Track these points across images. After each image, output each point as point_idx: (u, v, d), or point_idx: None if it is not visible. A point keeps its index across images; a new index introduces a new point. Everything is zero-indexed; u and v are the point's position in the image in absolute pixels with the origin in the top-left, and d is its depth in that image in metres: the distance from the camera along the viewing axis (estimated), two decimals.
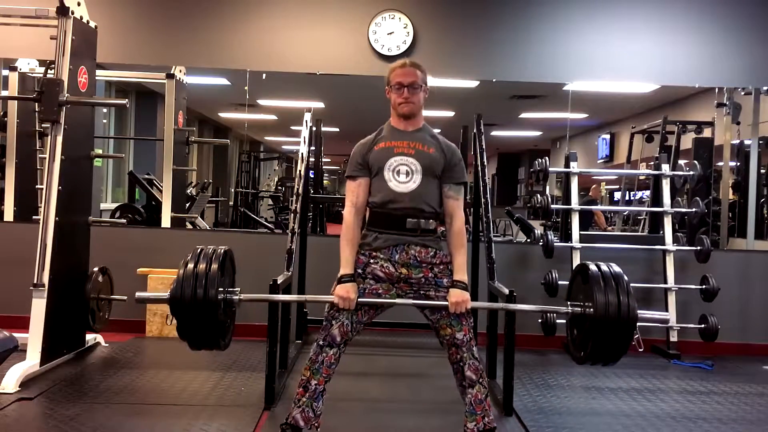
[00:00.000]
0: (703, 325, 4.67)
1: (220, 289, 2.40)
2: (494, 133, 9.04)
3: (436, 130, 2.69)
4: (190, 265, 2.38)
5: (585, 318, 2.30)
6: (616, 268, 2.37)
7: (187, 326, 2.36)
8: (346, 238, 2.58)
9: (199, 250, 2.47)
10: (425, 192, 2.59)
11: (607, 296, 2.26)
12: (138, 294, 2.51)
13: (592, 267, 2.38)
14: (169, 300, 2.36)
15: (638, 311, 2.28)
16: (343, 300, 2.50)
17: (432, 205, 2.62)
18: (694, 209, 4.97)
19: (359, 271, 2.60)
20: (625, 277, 2.33)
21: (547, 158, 5.03)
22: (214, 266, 2.38)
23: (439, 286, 2.61)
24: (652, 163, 5.51)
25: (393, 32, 4.94)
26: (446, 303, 2.54)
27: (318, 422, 2.58)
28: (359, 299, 2.53)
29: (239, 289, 2.53)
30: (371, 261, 2.61)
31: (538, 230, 6.37)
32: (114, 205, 7.01)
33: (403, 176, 2.58)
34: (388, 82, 2.67)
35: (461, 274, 2.58)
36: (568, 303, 2.43)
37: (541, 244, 4.86)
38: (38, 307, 3.59)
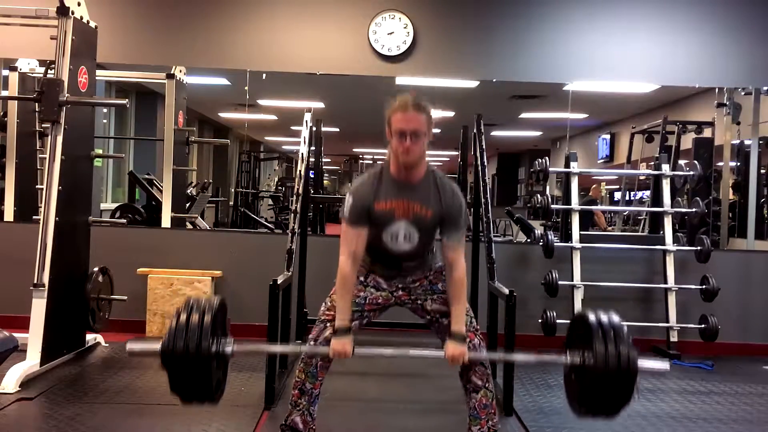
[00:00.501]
0: (703, 325, 4.67)
1: (213, 341, 2.31)
2: (494, 133, 9.04)
3: (436, 130, 2.65)
4: (183, 317, 2.29)
5: (585, 369, 2.29)
6: (615, 318, 2.35)
7: (179, 380, 2.29)
8: (343, 289, 2.46)
9: (191, 302, 2.37)
10: (422, 246, 2.56)
11: (607, 348, 2.23)
12: (129, 346, 2.39)
13: (591, 317, 2.35)
14: (161, 353, 2.27)
15: (638, 361, 2.25)
16: (340, 353, 2.42)
17: (428, 248, 2.62)
18: (694, 209, 4.97)
19: (361, 278, 2.61)
20: (625, 327, 2.31)
21: (547, 158, 5.03)
22: (207, 318, 2.28)
23: (434, 292, 2.65)
24: (653, 163, 5.51)
25: (393, 32, 4.93)
26: (441, 353, 2.48)
27: (314, 425, 2.62)
28: (355, 351, 2.44)
29: (232, 340, 2.47)
30: (371, 272, 2.66)
31: (538, 230, 6.37)
32: (114, 205, 7.01)
33: (401, 240, 2.51)
34: (389, 124, 2.42)
35: (459, 325, 2.47)
36: (567, 352, 2.42)
37: (541, 244, 4.86)
38: (38, 307, 3.59)
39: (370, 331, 4.06)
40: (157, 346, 2.28)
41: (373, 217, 2.47)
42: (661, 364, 2.36)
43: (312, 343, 2.59)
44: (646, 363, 2.28)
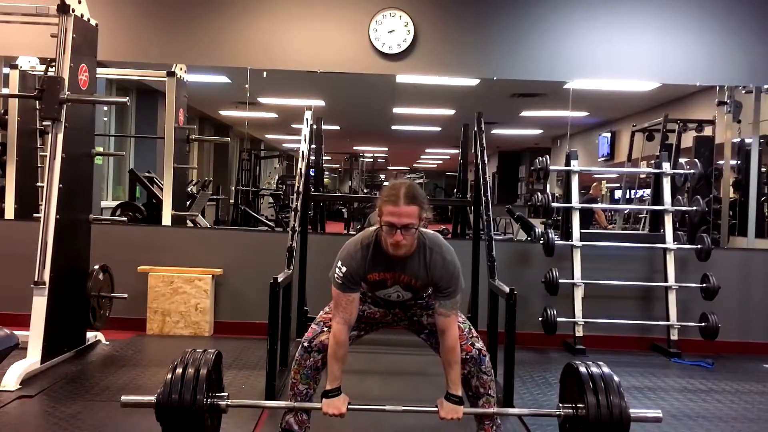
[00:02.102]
0: (703, 324, 4.67)
1: (208, 395, 2.32)
2: (495, 131, 9.03)
3: (436, 129, 2.65)
4: (179, 370, 2.30)
5: (578, 420, 2.32)
6: (606, 369, 2.38)
7: None
8: (336, 356, 2.46)
9: (188, 354, 2.38)
10: (416, 297, 2.64)
11: (599, 399, 2.26)
12: (123, 398, 2.39)
13: (582, 369, 2.38)
14: (155, 405, 2.28)
15: (630, 410, 2.28)
16: (333, 414, 2.46)
17: (422, 296, 2.66)
18: (694, 207, 4.97)
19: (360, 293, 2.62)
20: (616, 378, 2.33)
21: (547, 156, 5.03)
22: (203, 372, 2.30)
23: (430, 307, 2.69)
24: (653, 161, 5.51)
25: (394, 30, 4.93)
26: (435, 409, 2.50)
27: (309, 423, 2.66)
28: (349, 407, 2.48)
29: (227, 394, 2.45)
30: (370, 297, 2.70)
31: (539, 228, 6.37)
32: (115, 203, 7.01)
33: (393, 298, 2.61)
34: (380, 212, 2.37)
35: (455, 388, 2.47)
36: (559, 405, 2.45)
37: (541, 242, 4.86)
38: (39, 305, 3.59)
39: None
40: (152, 398, 2.29)
41: (366, 285, 2.55)
42: (654, 413, 2.39)
43: (306, 344, 2.62)
44: (639, 412, 2.31)
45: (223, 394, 2.45)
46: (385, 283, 2.53)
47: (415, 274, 2.48)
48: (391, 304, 2.68)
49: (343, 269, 2.45)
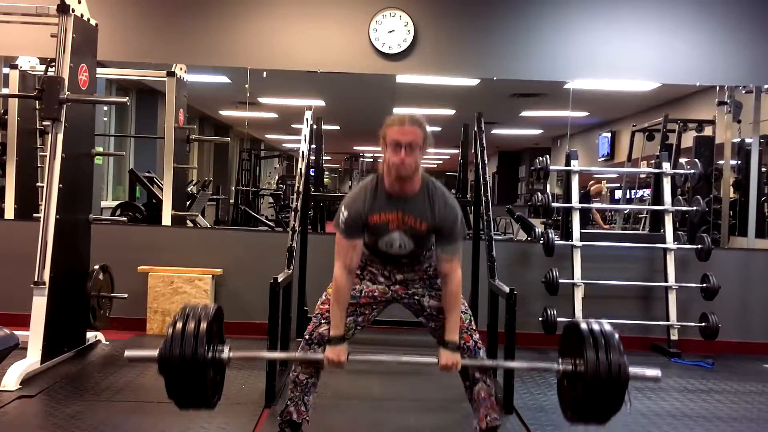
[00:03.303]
0: (703, 324, 4.67)
1: (210, 347, 2.35)
2: (495, 131, 9.03)
3: (437, 128, 2.65)
4: (179, 325, 2.32)
5: (576, 376, 2.31)
6: (607, 327, 2.37)
7: (176, 386, 2.31)
8: (338, 301, 2.48)
9: (188, 309, 2.40)
10: (419, 250, 2.59)
11: (598, 355, 2.25)
12: (127, 353, 2.42)
13: (583, 325, 2.37)
14: (158, 359, 2.30)
15: (629, 368, 2.27)
16: (333, 363, 2.45)
17: (426, 249, 2.63)
18: (694, 207, 4.97)
19: (357, 272, 2.62)
20: (616, 335, 2.33)
21: (547, 156, 5.03)
22: (204, 325, 2.32)
23: (433, 287, 2.66)
24: (653, 161, 5.51)
25: (394, 30, 4.93)
26: (434, 360, 2.49)
27: (308, 416, 2.64)
28: (350, 357, 2.47)
29: (229, 346, 2.48)
30: (368, 265, 2.66)
31: (539, 228, 6.37)
32: (115, 203, 7.01)
33: (396, 248, 2.55)
34: (384, 137, 2.41)
35: (453, 334, 2.48)
36: (560, 360, 2.45)
37: (541, 242, 4.86)
38: (39, 305, 3.59)
39: (369, 330, 4.05)
40: (154, 353, 2.31)
41: (368, 229, 2.50)
42: (653, 371, 2.38)
43: (307, 337, 2.62)
44: (637, 370, 2.31)
45: (225, 346, 2.46)
46: (387, 227, 2.48)
47: (420, 213, 2.47)
48: (392, 260, 2.62)
49: (346, 213, 2.46)
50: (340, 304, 2.48)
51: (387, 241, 2.52)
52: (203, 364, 2.29)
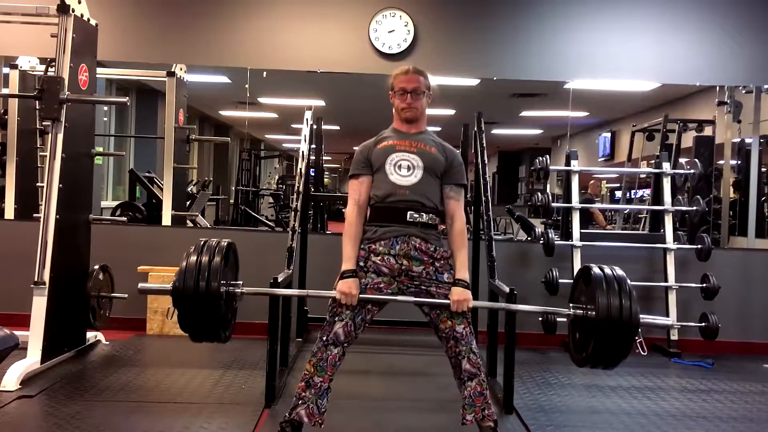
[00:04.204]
0: (703, 324, 4.67)
1: (223, 281, 2.40)
2: (495, 131, 9.03)
3: (437, 128, 2.71)
4: (193, 258, 2.39)
5: (587, 320, 2.29)
6: (619, 271, 2.36)
7: (189, 318, 2.37)
8: (349, 234, 2.62)
9: (202, 243, 2.48)
10: (426, 186, 2.64)
11: (610, 299, 2.24)
12: (141, 285, 2.54)
13: (595, 269, 2.36)
14: (172, 291, 2.37)
15: (640, 315, 2.25)
16: (345, 295, 2.52)
17: (433, 201, 2.66)
18: (694, 208, 4.97)
19: (360, 264, 2.62)
20: (628, 281, 2.31)
21: (547, 156, 5.03)
22: (217, 259, 2.39)
23: (440, 281, 2.62)
24: (653, 161, 5.51)
25: (394, 30, 4.93)
26: (447, 301, 2.56)
27: (322, 419, 2.59)
28: (360, 295, 2.54)
29: (241, 282, 2.54)
30: (372, 255, 2.62)
31: (539, 228, 6.37)
32: (115, 203, 7.01)
33: (404, 170, 2.63)
34: (392, 87, 2.72)
35: (463, 272, 2.60)
36: (570, 305, 2.43)
37: (541, 242, 4.86)
38: (39, 305, 3.59)
39: (369, 330, 4.05)
40: (168, 286, 2.38)
41: (374, 156, 2.67)
42: (664, 320, 2.38)
43: (324, 338, 2.60)
44: (648, 317, 2.30)
45: (238, 282, 2.50)
46: (393, 147, 2.67)
47: (428, 142, 2.70)
48: (399, 215, 2.59)
49: (355, 155, 2.72)
50: (352, 238, 2.62)
51: (396, 162, 2.65)
52: (216, 297, 2.34)
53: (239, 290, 2.53)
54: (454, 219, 2.68)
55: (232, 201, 8.78)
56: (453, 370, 2.65)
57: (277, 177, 10.93)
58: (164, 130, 5.84)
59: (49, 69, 3.94)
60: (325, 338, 2.59)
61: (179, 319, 2.38)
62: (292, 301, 4.15)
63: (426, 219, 2.63)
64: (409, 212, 2.61)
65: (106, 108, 6.98)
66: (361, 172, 2.69)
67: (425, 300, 2.61)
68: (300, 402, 2.58)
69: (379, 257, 2.61)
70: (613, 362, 2.32)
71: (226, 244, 2.49)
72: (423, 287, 2.63)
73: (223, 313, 2.41)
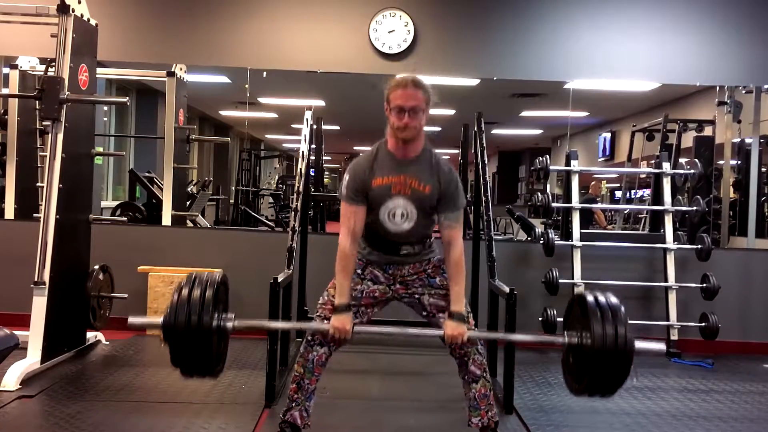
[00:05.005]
0: (703, 324, 4.67)
1: (215, 315, 2.34)
2: (495, 131, 9.03)
3: (437, 129, 2.66)
4: (184, 291, 2.33)
5: (582, 349, 2.30)
6: (614, 299, 2.35)
7: (180, 353, 2.30)
8: (343, 268, 2.48)
9: (193, 276, 2.41)
10: (421, 226, 2.57)
11: (605, 328, 2.24)
12: (131, 319, 2.42)
13: (590, 297, 2.35)
14: (162, 326, 2.29)
15: (635, 342, 2.26)
16: (339, 331, 2.44)
17: (428, 230, 2.64)
18: (694, 208, 4.97)
19: (358, 271, 2.62)
20: (623, 309, 2.32)
21: (547, 156, 5.03)
22: (209, 293, 2.32)
23: (432, 286, 2.65)
24: (653, 161, 5.50)
25: (394, 30, 4.93)
26: (440, 332, 2.48)
27: (309, 421, 2.63)
28: (356, 328, 2.47)
29: (234, 315, 2.47)
30: (368, 266, 2.65)
31: (539, 228, 6.37)
32: (115, 203, 7.01)
33: (398, 218, 2.52)
34: (387, 101, 2.46)
35: (458, 305, 2.49)
36: (565, 333, 2.43)
37: (541, 242, 4.86)
38: (39, 305, 3.59)
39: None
40: (158, 320, 2.31)
41: (371, 194, 2.50)
42: (658, 346, 2.37)
43: (309, 338, 2.61)
44: (642, 344, 2.30)
45: (230, 314, 2.44)
46: (390, 190, 2.48)
47: (423, 175, 2.49)
48: (393, 248, 2.59)
49: (349, 178, 2.50)
50: (346, 272, 2.49)
51: (390, 210, 2.51)
52: (207, 332, 2.28)
53: (231, 324, 2.43)
54: (452, 247, 2.51)
55: (232, 201, 8.78)
56: (458, 368, 2.65)
57: (277, 177, 10.94)
58: (164, 130, 5.84)
59: (49, 69, 3.94)
60: (310, 338, 2.60)
61: (170, 355, 2.33)
62: (292, 301, 4.15)
63: (418, 249, 2.62)
64: (403, 246, 2.60)
65: (106, 108, 6.98)
66: (357, 201, 2.49)
67: (420, 332, 2.63)
68: (294, 404, 2.61)
69: (375, 267, 2.64)
70: (610, 390, 2.31)
71: (217, 276, 2.43)
72: (416, 296, 2.65)
73: (215, 348, 2.37)
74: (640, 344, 2.27)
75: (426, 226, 2.61)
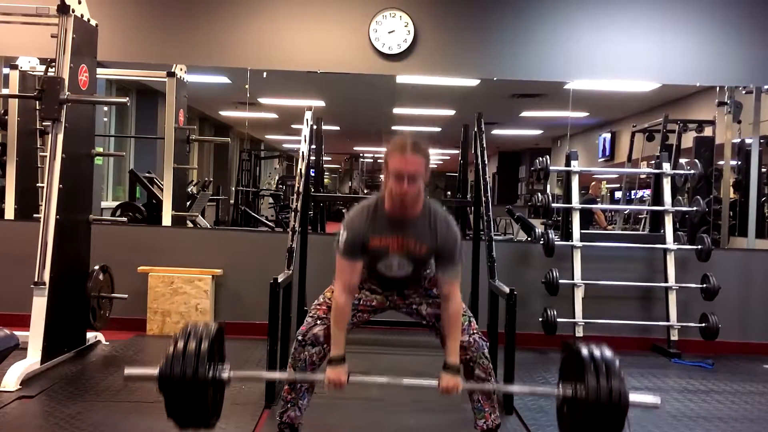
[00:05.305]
0: (703, 324, 4.67)
1: (210, 367, 2.33)
2: (495, 131, 9.03)
3: (437, 129, 2.66)
4: (180, 343, 2.32)
5: (577, 401, 2.32)
6: (608, 352, 2.37)
7: (175, 406, 2.30)
8: (337, 322, 2.47)
9: (189, 327, 2.40)
10: (417, 273, 2.60)
11: (599, 381, 2.26)
12: (126, 371, 2.41)
13: (583, 350, 2.37)
14: (158, 378, 2.28)
15: (630, 395, 2.27)
16: (334, 383, 2.44)
17: (424, 274, 2.66)
18: (695, 208, 4.97)
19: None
20: (617, 361, 2.33)
21: (548, 157, 5.03)
22: (204, 345, 2.31)
23: (429, 296, 2.69)
24: (653, 161, 5.51)
25: (394, 31, 4.93)
26: (435, 383, 2.47)
27: (302, 420, 2.67)
28: (351, 378, 2.45)
29: (229, 366, 2.47)
30: (368, 280, 2.69)
31: (539, 229, 6.37)
32: (115, 204, 7.01)
33: (395, 268, 2.54)
34: (385, 164, 2.38)
35: (453, 357, 2.47)
36: (560, 384, 2.45)
37: (541, 242, 4.86)
38: (39, 306, 3.59)
39: (369, 330, 4.06)
40: (154, 371, 2.30)
41: (368, 252, 2.49)
42: (653, 399, 2.38)
43: (300, 338, 2.62)
44: (637, 397, 2.31)
45: (225, 366, 2.45)
46: (387, 250, 2.48)
47: (420, 237, 2.45)
48: (390, 284, 2.64)
49: (345, 234, 2.44)
50: (340, 325, 2.46)
51: (386, 264, 2.53)
52: (203, 384, 2.27)
53: (227, 375, 2.41)
54: (449, 301, 2.48)
55: (232, 201, 8.78)
56: (464, 373, 2.65)
57: (277, 177, 10.94)
58: (164, 131, 5.83)
59: (49, 69, 3.95)
60: (301, 338, 2.61)
61: (166, 407, 2.32)
62: (292, 301, 4.14)
63: (416, 283, 2.66)
64: (399, 282, 2.64)
65: (106, 108, 6.98)
66: (355, 257, 2.45)
67: (414, 382, 2.67)
68: (289, 405, 2.65)
69: (374, 284, 2.68)
70: None
71: (213, 328, 2.41)
72: (414, 306, 2.69)
73: (210, 399, 2.37)
74: (634, 397, 2.29)
75: (423, 270, 2.64)
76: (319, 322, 2.59)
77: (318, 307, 2.64)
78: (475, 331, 2.65)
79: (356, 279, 2.48)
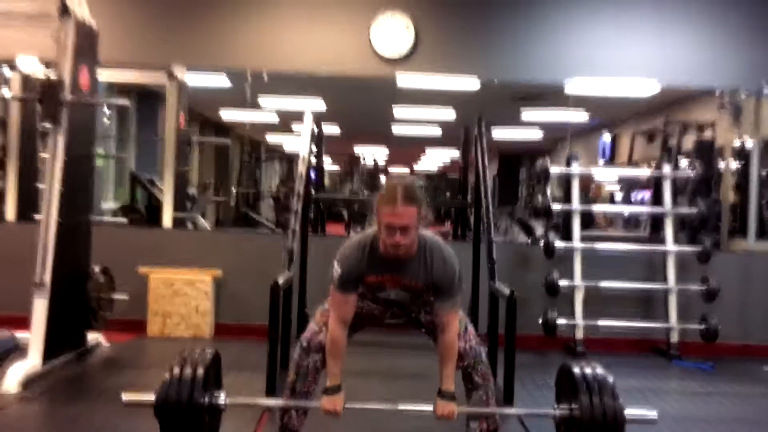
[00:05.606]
0: (703, 326, 4.67)
1: (206, 393, 2.35)
2: (496, 133, 9.04)
3: (437, 130, 2.66)
4: (177, 370, 2.34)
5: (572, 421, 2.33)
6: (600, 370, 2.38)
7: (172, 431, 2.32)
8: (334, 355, 2.47)
9: (185, 354, 2.41)
10: (414, 299, 2.61)
11: (593, 400, 2.27)
12: (124, 397, 2.44)
13: (576, 370, 2.38)
14: (155, 404, 2.30)
15: (625, 411, 2.28)
16: (331, 412, 2.47)
17: (422, 300, 2.65)
18: (695, 210, 4.97)
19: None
20: (611, 380, 2.34)
21: (548, 158, 5.03)
22: (201, 371, 2.33)
23: (427, 304, 2.67)
24: (654, 163, 5.51)
25: (394, 32, 4.94)
26: (431, 408, 2.50)
27: (302, 422, 2.68)
28: (346, 406, 2.49)
29: (224, 392, 2.48)
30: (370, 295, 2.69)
31: (539, 231, 6.37)
32: (116, 204, 7.01)
33: (393, 297, 2.58)
34: (377, 213, 2.30)
35: (448, 384, 2.47)
36: (555, 405, 2.46)
37: (542, 244, 4.86)
38: (39, 307, 3.60)
39: (368, 330, 4.03)
40: (151, 397, 2.31)
41: (364, 285, 2.51)
42: (649, 412, 2.39)
43: (305, 344, 2.62)
44: (633, 412, 2.32)
45: (221, 392, 2.46)
46: (383, 285, 2.51)
47: (416, 275, 2.45)
48: (390, 302, 2.67)
49: (340, 270, 2.43)
50: (336, 356, 2.47)
51: (385, 294, 2.57)
52: (199, 411, 2.29)
53: (222, 402, 2.43)
54: (446, 331, 2.47)
55: (232, 203, 8.79)
56: (462, 379, 2.67)
57: (277, 178, 10.96)
58: (165, 132, 5.83)
59: (50, 71, 3.95)
60: (305, 345, 2.61)
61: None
62: (292, 303, 4.15)
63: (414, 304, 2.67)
64: (402, 306, 2.66)
65: (107, 111, 6.99)
66: (349, 291, 2.45)
67: (411, 407, 2.66)
68: (292, 410, 2.64)
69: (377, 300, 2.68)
70: None
71: (209, 354, 2.43)
72: (413, 315, 2.72)
73: (207, 425, 2.38)
74: (631, 411, 2.29)
75: (421, 296, 2.63)
76: (324, 328, 2.58)
77: (323, 313, 2.64)
78: (471, 338, 2.65)
79: (351, 312, 2.49)
